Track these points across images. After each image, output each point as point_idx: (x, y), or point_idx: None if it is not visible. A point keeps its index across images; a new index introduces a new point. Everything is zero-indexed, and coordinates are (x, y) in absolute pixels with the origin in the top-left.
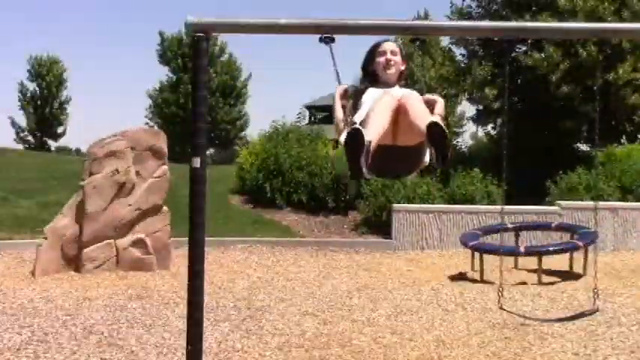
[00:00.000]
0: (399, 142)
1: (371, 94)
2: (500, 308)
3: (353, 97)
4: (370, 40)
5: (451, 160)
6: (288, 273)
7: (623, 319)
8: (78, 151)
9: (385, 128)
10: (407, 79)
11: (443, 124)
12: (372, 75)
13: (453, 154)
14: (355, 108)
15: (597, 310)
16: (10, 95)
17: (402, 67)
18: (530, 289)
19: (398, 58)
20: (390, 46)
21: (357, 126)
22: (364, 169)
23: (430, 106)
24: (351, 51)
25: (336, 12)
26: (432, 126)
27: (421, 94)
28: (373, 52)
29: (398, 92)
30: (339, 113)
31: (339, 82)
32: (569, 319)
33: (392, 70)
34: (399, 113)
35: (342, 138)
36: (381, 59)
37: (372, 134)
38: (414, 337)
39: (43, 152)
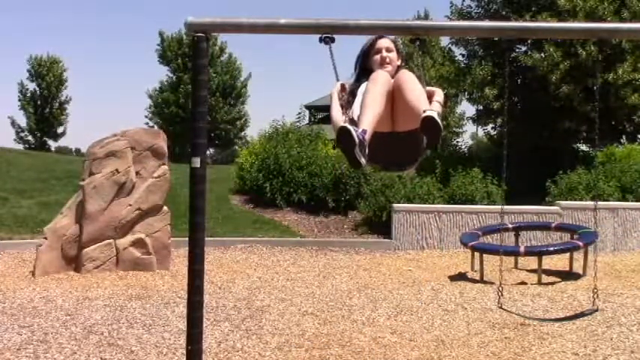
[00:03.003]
0: (399, 128)
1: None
2: (500, 308)
3: (349, 95)
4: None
5: (439, 146)
6: (288, 273)
7: (623, 319)
8: (78, 151)
9: (381, 114)
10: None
11: (438, 117)
12: (369, 72)
13: (440, 143)
14: (351, 104)
15: (597, 310)
16: (10, 95)
17: (398, 63)
18: (530, 289)
19: (393, 55)
20: (385, 43)
21: (345, 124)
22: (362, 160)
23: (429, 96)
24: (351, 51)
25: (335, 12)
26: (427, 120)
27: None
28: (369, 50)
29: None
30: (335, 112)
31: (338, 81)
32: (569, 318)
33: (388, 68)
34: (395, 95)
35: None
36: (377, 57)
37: (367, 122)
38: (414, 337)
39: (43, 152)
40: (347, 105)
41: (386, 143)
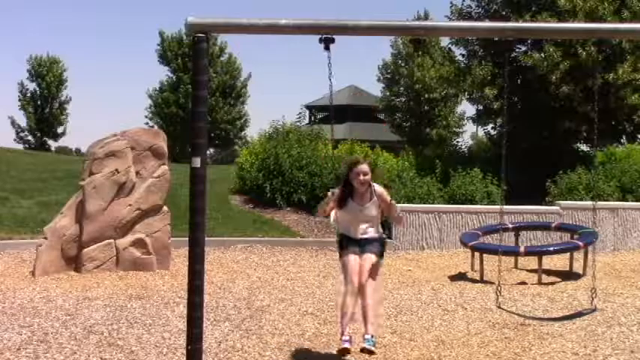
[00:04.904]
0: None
1: (347, 210)
2: (499, 307)
3: (339, 199)
4: (370, 40)
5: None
6: (288, 273)
7: (623, 319)
8: (78, 151)
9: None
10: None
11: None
12: (350, 184)
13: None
14: (340, 204)
15: (595, 310)
16: (10, 95)
17: (370, 180)
18: (530, 289)
19: (368, 177)
20: (363, 168)
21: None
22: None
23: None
24: (351, 51)
25: (336, 12)
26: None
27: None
28: (351, 169)
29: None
30: (329, 207)
31: (331, 85)
32: (567, 318)
33: (363, 188)
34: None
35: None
36: (356, 178)
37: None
38: (414, 337)
39: (43, 152)
40: (337, 204)
41: None
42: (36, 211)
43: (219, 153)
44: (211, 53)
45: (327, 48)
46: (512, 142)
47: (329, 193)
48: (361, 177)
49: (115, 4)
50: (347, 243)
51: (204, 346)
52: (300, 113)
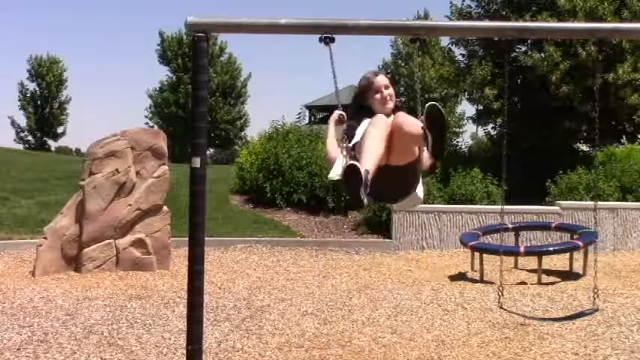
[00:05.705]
0: (393, 162)
1: (365, 124)
2: (500, 308)
3: (347, 129)
4: (370, 40)
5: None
6: (288, 273)
7: (623, 319)
8: (78, 151)
9: (380, 156)
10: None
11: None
12: (367, 109)
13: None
14: (349, 140)
15: (597, 310)
16: (10, 95)
17: (395, 98)
18: (530, 289)
19: (391, 91)
20: (383, 80)
21: (354, 162)
22: (365, 200)
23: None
24: (350, 51)
25: (336, 12)
26: (430, 109)
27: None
28: (366, 88)
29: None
30: (330, 142)
31: (336, 84)
32: (569, 318)
33: (390, 105)
34: (394, 132)
35: (336, 173)
36: (378, 96)
37: (370, 164)
38: (414, 337)
39: (43, 152)
40: (343, 140)
41: (380, 176)
42: (36, 211)
43: (219, 153)
44: (211, 53)
45: (327, 44)
46: (512, 142)
47: (335, 114)
48: (385, 91)
49: (115, 4)
50: None
51: (204, 346)
52: (300, 113)
